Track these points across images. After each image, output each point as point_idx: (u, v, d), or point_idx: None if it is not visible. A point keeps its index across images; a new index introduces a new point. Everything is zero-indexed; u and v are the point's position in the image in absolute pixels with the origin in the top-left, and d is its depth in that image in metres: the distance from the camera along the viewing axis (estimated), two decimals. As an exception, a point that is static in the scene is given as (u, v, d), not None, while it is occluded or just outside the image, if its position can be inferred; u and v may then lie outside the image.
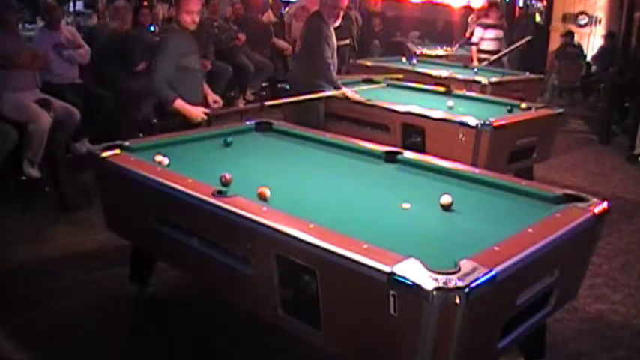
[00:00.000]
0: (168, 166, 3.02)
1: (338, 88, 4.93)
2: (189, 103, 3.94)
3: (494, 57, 8.29)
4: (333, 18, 4.85)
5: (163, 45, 4.00)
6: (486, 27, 8.49)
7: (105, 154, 3.08)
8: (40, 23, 6.25)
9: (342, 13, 4.95)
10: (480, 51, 8.40)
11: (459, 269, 1.86)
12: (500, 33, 8.57)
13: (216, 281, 2.79)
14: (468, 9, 12.25)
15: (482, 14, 10.92)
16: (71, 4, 9.02)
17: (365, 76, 6.40)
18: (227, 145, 3.53)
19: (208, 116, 3.98)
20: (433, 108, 4.75)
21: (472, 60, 8.51)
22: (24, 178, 4.66)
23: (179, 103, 3.90)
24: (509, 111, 4.93)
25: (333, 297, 2.10)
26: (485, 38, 8.42)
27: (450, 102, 5.11)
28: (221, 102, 4.27)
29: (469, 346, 1.94)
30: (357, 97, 4.97)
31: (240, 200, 2.45)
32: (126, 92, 6.06)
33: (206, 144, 3.58)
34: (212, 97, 4.29)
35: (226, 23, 8.36)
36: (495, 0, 9.61)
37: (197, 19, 4.02)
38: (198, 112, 3.96)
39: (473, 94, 5.94)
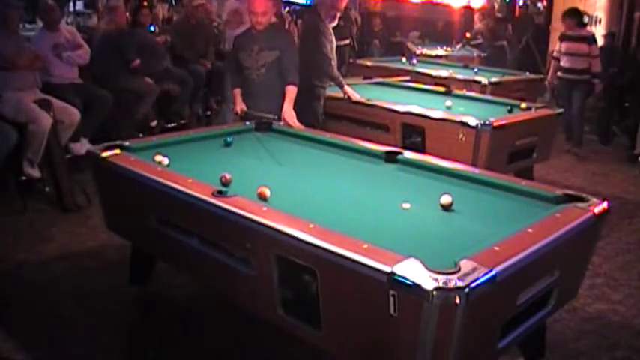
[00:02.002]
0: (168, 166, 3.02)
1: (340, 84, 4.94)
2: (245, 95, 4.36)
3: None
4: (329, 18, 4.86)
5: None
6: (562, 39, 7.08)
7: (105, 154, 3.08)
8: (41, 23, 6.25)
9: (339, 15, 4.97)
10: (560, 68, 7.04)
11: (459, 269, 1.86)
12: (578, 47, 6.82)
13: (216, 281, 2.79)
14: (468, 9, 12.27)
15: (488, 13, 10.94)
16: (71, 4, 9.02)
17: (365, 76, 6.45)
18: (227, 145, 3.53)
19: (242, 113, 4.29)
20: (433, 108, 4.75)
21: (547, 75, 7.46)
22: (24, 178, 4.66)
23: (235, 92, 4.43)
24: (509, 111, 4.93)
25: (333, 297, 2.10)
26: (562, 52, 6.98)
27: (449, 102, 5.11)
28: (296, 125, 4.05)
29: (469, 346, 1.94)
30: (357, 96, 4.97)
31: (240, 200, 2.45)
32: (125, 92, 6.07)
33: (206, 144, 3.58)
34: (288, 117, 4.13)
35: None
36: (573, 6, 7.90)
37: (261, 19, 4.20)
38: (237, 107, 4.36)
39: (473, 94, 5.94)
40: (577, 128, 6.96)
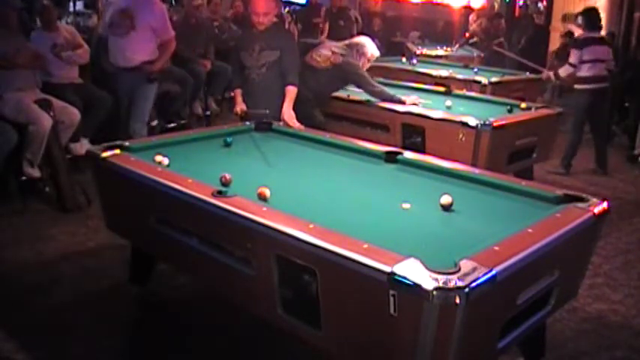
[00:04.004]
0: (168, 166, 3.02)
1: (401, 100, 4.84)
2: (245, 95, 4.34)
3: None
4: (362, 64, 4.89)
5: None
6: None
7: (105, 154, 3.08)
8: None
9: (368, 66, 4.98)
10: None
11: (459, 269, 1.86)
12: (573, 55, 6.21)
13: (216, 281, 2.79)
14: (468, 9, 12.26)
15: (482, 13, 10.92)
16: (71, 4, 9.02)
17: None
18: (227, 145, 3.53)
19: (242, 114, 4.25)
20: (433, 108, 4.75)
21: None
22: (24, 178, 4.66)
23: (236, 93, 4.39)
24: (509, 111, 4.93)
25: (333, 297, 2.10)
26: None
27: (449, 102, 5.11)
28: (296, 125, 4.00)
29: (469, 346, 1.94)
30: (418, 101, 4.91)
31: (240, 200, 2.45)
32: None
33: (206, 144, 3.58)
34: (288, 118, 4.09)
35: (226, 23, 8.36)
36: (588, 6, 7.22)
37: (263, 20, 4.20)
38: (237, 107, 4.31)
39: (473, 94, 5.94)
40: (568, 144, 6.42)
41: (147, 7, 4.73)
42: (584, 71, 6.14)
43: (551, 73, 6.57)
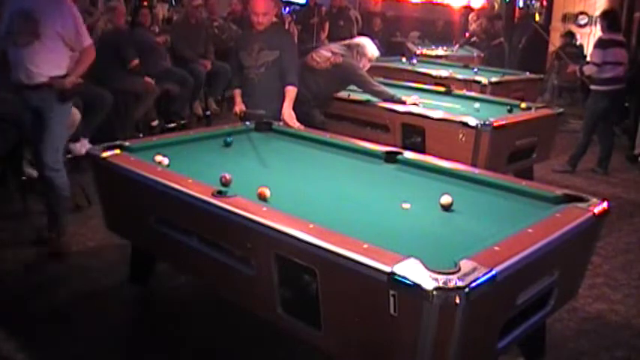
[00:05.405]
0: (168, 166, 3.02)
1: (401, 100, 4.84)
2: (245, 95, 4.35)
3: None
4: (362, 65, 4.90)
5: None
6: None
7: (105, 154, 3.09)
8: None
9: (368, 66, 4.99)
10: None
11: (459, 269, 1.86)
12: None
13: (216, 281, 2.79)
14: (468, 9, 12.27)
15: (482, 13, 10.94)
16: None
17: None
18: (227, 145, 3.53)
19: (242, 114, 4.25)
20: (433, 108, 4.75)
21: None
22: (24, 178, 4.66)
23: (235, 93, 4.41)
24: (509, 111, 4.93)
25: (332, 297, 2.10)
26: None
27: (449, 102, 5.11)
28: (296, 125, 4.02)
29: (469, 346, 1.94)
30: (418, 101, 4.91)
31: (240, 200, 2.45)
32: (124, 92, 6.06)
33: (206, 144, 3.58)
34: (288, 118, 4.10)
35: (226, 23, 8.37)
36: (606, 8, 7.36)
37: (262, 20, 4.21)
38: (237, 108, 4.33)
39: (473, 94, 5.94)
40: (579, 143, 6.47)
41: (54, 10, 3.69)
42: (606, 73, 6.11)
43: (577, 68, 6.58)
